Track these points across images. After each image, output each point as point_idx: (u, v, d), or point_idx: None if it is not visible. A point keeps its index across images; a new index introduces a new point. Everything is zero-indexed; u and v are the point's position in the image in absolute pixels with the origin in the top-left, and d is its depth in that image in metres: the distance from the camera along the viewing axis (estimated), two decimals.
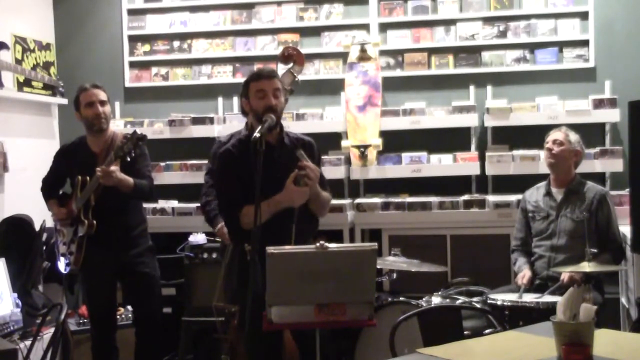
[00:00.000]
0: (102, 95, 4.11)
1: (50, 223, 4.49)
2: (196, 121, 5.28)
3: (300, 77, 4.35)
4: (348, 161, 5.14)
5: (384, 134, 5.09)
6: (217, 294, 4.07)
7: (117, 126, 5.26)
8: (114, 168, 3.86)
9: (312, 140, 3.53)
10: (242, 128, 4.07)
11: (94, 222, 3.96)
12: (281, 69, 4.40)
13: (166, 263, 4.67)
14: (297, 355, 3.44)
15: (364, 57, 5.15)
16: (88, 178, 3.98)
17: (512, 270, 4.63)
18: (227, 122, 5.23)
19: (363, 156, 5.03)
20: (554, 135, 4.23)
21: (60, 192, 4.31)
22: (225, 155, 3.42)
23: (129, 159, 3.85)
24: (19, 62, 5.13)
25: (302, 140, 3.49)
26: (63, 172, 4.24)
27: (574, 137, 4.21)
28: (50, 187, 4.26)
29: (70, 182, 4.21)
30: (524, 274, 4.10)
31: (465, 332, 3.51)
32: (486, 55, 5.18)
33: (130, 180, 3.96)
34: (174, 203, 5.20)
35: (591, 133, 4.85)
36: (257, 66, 5.39)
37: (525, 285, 4.00)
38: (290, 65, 4.27)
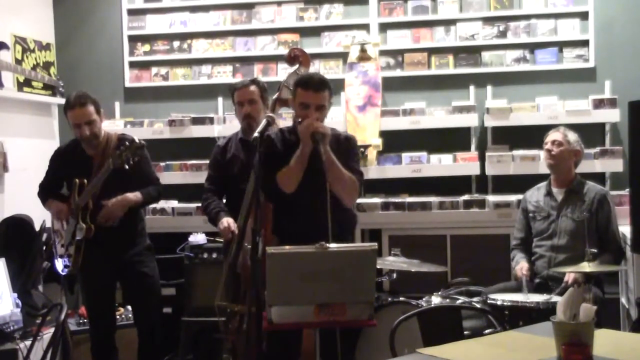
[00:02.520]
0: (89, 115, 3.97)
1: (50, 223, 4.48)
2: (196, 121, 5.28)
3: None
4: None
5: (384, 134, 5.09)
6: (219, 293, 4.07)
7: (117, 126, 5.26)
8: (112, 202, 3.91)
9: (349, 135, 3.78)
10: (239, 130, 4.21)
11: (92, 226, 3.96)
12: (284, 69, 4.41)
13: (166, 263, 4.67)
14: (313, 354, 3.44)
15: (364, 57, 5.15)
16: (85, 181, 3.98)
17: (511, 270, 4.64)
18: (227, 122, 5.23)
19: (363, 156, 5.03)
20: (553, 135, 4.23)
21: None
22: (268, 141, 3.57)
23: (127, 167, 3.83)
24: (19, 62, 5.13)
25: (339, 136, 3.66)
26: (60, 175, 4.23)
27: (572, 136, 4.21)
28: (48, 191, 4.25)
29: (67, 185, 4.21)
30: (521, 266, 4.12)
31: (465, 332, 3.51)
32: (486, 55, 5.18)
33: (135, 198, 4.00)
34: (174, 203, 5.20)
35: (591, 133, 4.85)
36: (257, 66, 5.41)
37: (525, 276, 4.01)
38: (297, 66, 4.27)
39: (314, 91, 3.43)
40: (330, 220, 3.09)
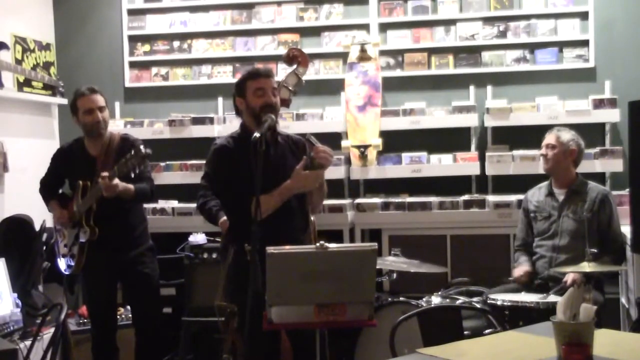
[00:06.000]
0: (101, 101, 4.06)
1: (50, 223, 4.48)
2: (196, 121, 5.28)
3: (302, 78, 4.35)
4: (348, 161, 5.14)
5: (384, 134, 5.09)
6: (219, 293, 4.07)
7: (117, 126, 5.26)
8: (116, 182, 3.86)
9: (302, 139, 3.57)
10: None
11: (96, 228, 3.96)
12: (283, 69, 4.40)
13: (166, 263, 4.67)
14: (291, 354, 3.45)
15: (364, 57, 5.15)
16: (89, 183, 3.98)
17: (512, 270, 4.64)
18: (227, 122, 5.23)
19: (363, 156, 5.03)
20: (547, 139, 4.21)
21: (59, 191, 4.30)
22: (222, 150, 3.44)
23: (132, 176, 3.82)
24: (19, 62, 5.13)
25: (293, 139, 3.56)
26: (61, 173, 4.23)
27: (566, 136, 4.18)
28: (49, 188, 4.25)
29: (69, 184, 4.20)
30: (521, 269, 4.13)
31: (465, 332, 3.51)
32: (486, 55, 5.18)
33: (131, 188, 3.96)
34: (174, 203, 5.20)
35: (591, 133, 4.84)
36: (257, 66, 5.39)
37: (522, 277, 4.05)
38: (295, 66, 4.27)
39: (265, 77, 3.41)
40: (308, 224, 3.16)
